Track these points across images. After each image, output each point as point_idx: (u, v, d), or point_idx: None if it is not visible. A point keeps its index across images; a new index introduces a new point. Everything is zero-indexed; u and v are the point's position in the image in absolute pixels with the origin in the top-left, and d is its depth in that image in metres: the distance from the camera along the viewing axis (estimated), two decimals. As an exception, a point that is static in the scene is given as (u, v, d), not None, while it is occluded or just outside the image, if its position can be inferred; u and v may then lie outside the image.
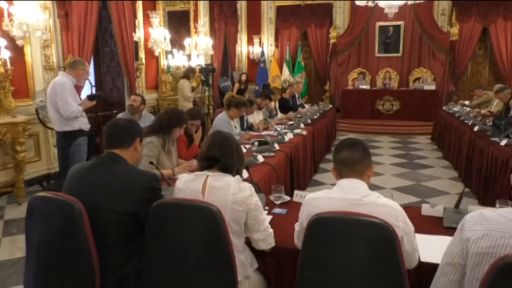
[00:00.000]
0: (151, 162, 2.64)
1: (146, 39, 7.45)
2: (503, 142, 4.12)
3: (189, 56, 8.46)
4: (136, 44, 6.99)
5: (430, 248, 1.80)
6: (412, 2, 7.44)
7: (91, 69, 6.14)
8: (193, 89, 7.44)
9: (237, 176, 1.85)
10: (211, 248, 1.61)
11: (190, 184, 1.82)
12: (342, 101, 10.19)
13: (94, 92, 6.20)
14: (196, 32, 8.70)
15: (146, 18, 7.40)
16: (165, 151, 3.02)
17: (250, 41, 11.33)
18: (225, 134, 1.97)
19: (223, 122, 4.47)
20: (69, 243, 1.68)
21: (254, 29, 11.25)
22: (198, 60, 8.54)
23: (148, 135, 2.97)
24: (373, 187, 5.16)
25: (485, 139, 4.61)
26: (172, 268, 1.67)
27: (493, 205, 2.10)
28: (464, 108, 7.56)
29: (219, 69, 9.89)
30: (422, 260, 1.72)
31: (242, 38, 11.30)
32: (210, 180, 1.80)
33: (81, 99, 4.19)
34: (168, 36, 7.71)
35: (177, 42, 8.32)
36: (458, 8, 9.69)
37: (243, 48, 11.38)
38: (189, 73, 7.35)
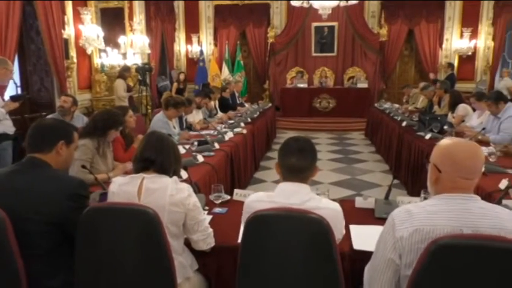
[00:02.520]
0: (83, 166, 2.52)
1: (77, 37, 7.07)
2: (428, 136, 4.42)
3: (124, 55, 8.17)
4: (66, 41, 6.62)
5: (362, 237, 1.91)
6: (344, 3, 7.77)
7: (15, 68, 5.72)
8: (129, 89, 7.20)
9: (175, 177, 1.82)
10: (149, 252, 1.58)
11: (125, 187, 1.76)
12: (281, 99, 10.39)
13: (19, 92, 5.81)
14: (131, 30, 8.41)
15: (76, 14, 7.03)
16: (99, 154, 2.89)
17: (188, 40, 11.17)
18: (161, 135, 1.93)
19: (161, 122, 4.38)
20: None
21: (192, 27, 11.12)
22: (135, 59, 8.27)
23: (81, 138, 2.82)
24: (312, 182, 5.31)
25: (412, 133, 4.92)
26: (107, 276, 1.61)
27: (420, 195, 2.27)
28: (394, 105, 8.03)
29: (157, 69, 9.67)
30: (355, 248, 1.82)
31: (180, 36, 11.12)
32: (146, 182, 1.75)
33: (3, 100, 3.89)
34: (101, 34, 7.39)
35: (111, 41, 7.98)
36: (386, 11, 10.28)
37: (181, 47, 11.20)
38: (124, 72, 7.09)
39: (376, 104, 8.60)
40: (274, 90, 10.80)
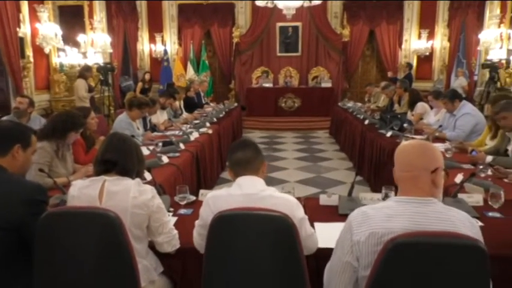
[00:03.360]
0: (41, 170, 2.42)
1: (34, 36, 6.79)
2: (389, 133, 4.56)
3: (84, 54, 7.93)
4: (21, 40, 6.34)
5: (327, 235, 1.92)
6: (308, 4, 7.88)
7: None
8: (91, 89, 6.99)
9: (137, 179, 1.79)
10: (111, 256, 1.54)
11: (86, 190, 1.71)
12: (246, 99, 10.40)
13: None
14: (92, 28, 8.18)
15: (33, 12, 6.75)
16: (58, 157, 2.79)
17: (152, 39, 10.97)
18: (123, 136, 1.89)
19: (124, 123, 4.27)
20: None
21: (156, 26, 10.92)
22: (96, 59, 8.04)
23: (39, 140, 2.71)
24: (278, 181, 5.36)
25: (374, 131, 5.06)
26: (69, 283, 1.55)
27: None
28: (357, 104, 8.22)
29: (120, 68, 9.45)
30: (320, 246, 1.83)
31: (143, 35, 10.90)
32: (107, 185, 1.71)
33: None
34: (60, 32, 7.13)
35: (70, 39, 7.73)
36: (348, 12, 10.51)
37: (144, 47, 10.98)
38: (84, 72, 6.88)
39: (339, 103, 8.76)
40: (240, 90, 10.79)
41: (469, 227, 1.34)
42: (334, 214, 2.24)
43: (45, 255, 1.57)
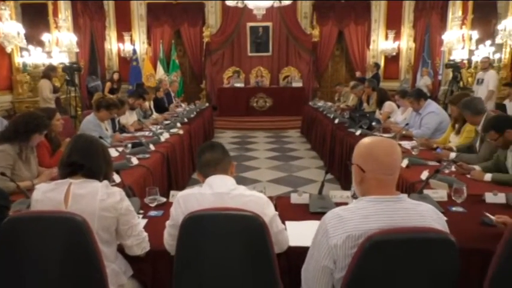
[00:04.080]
0: (3, 173, 2.33)
1: (-6, 34, 6.53)
2: (358, 132, 4.64)
3: (49, 53, 7.68)
4: (-19, 39, 6.08)
5: (298, 233, 1.95)
6: (278, 4, 7.92)
7: None
8: (56, 90, 6.78)
9: (105, 181, 1.74)
10: (78, 261, 1.50)
11: (50, 194, 1.65)
12: (218, 99, 10.35)
13: None
14: (56, 27, 7.93)
15: (-7, 10, 6.48)
16: (22, 160, 2.69)
17: (120, 38, 10.74)
18: (89, 137, 1.84)
19: (92, 124, 4.16)
20: None
21: (124, 25, 10.70)
22: (61, 58, 7.80)
23: (0, 143, 2.61)
24: (250, 181, 5.35)
25: (343, 130, 5.14)
26: (33, 289, 1.51)
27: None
28: (327, 103, 8.34)
29: (87, 68, 9.22)
30: (291, 244, 1.83)
31: (111, 35, 10.66)
32: (73, 188, 1.66)
33: None
34: (23, 31, 6.87)
35: (34, 38, 7.47)
36: (317, 12, 10.65)
37: (112, 46, 10.75)
38: (49, 72, 6.67)
39: (310, 103, 8.85)
40: (211, 90, 10.74)
41: (437, 219, 1.38)
42: (305, 212, 2.26)
43: (8, 261, 1.51)
